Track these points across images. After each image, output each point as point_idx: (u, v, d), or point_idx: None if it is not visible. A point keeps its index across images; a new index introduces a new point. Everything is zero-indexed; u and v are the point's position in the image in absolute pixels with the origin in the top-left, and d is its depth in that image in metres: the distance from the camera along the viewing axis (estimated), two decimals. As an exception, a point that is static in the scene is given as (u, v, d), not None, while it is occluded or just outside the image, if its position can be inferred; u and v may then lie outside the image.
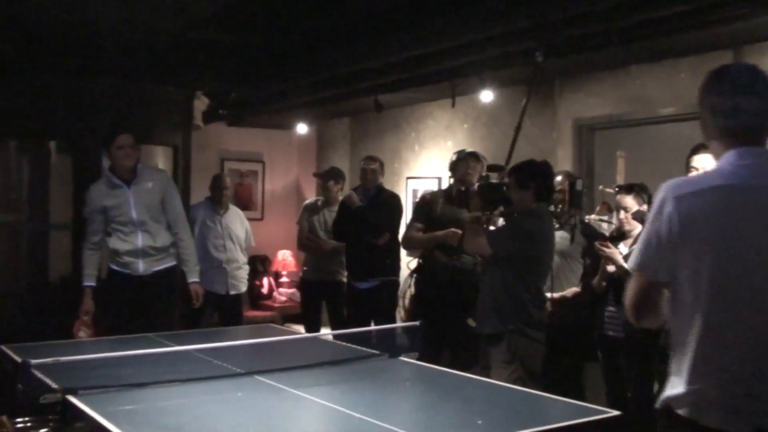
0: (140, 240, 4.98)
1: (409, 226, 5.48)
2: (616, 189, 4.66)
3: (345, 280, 6.22)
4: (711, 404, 1.98)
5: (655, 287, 2.07)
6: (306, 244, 6.59)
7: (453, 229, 5.03)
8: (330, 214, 6.41)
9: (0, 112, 5.51)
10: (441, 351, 4.98)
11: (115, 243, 4.98)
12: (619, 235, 4.49)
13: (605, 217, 5.00)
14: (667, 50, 5.14)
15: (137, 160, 5.03)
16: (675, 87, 5.39)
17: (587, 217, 5.08)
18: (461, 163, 5.22)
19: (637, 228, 4.34)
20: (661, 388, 2.14)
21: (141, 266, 4.99)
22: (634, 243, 4.40)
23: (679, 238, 1.98)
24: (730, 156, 2.04)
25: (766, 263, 1.97)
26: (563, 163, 5.97)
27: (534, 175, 4.29)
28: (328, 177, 6.59)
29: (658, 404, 2.11)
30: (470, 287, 4.73)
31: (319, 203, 6.65)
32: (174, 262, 5.16)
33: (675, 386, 2.05)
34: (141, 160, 5.14)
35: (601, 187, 5.57)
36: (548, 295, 4.53)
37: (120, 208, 4.96)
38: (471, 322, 4.66)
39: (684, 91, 5.33)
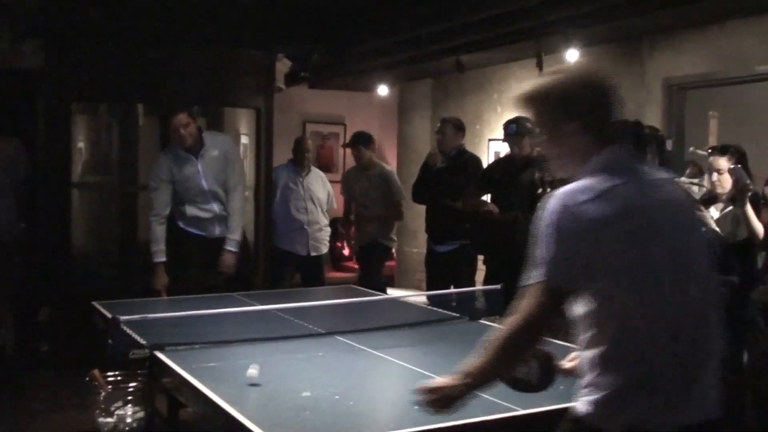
0: (216, 207, 5.12)
1: None
2: (709, 150, 4.47)
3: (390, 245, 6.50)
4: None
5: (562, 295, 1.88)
6: (353, 218, 6.71)
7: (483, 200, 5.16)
8: (368, 179, 6.41)
9: (90, 76, 5.66)
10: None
11: (194, 212, 5.10)
12: (711, 198, 4.32)
13: (696, 180, 4.82)
14: None
15: (195, 136, 5.01)
16: (774, 43, 5.12)
17: (677, 179, 4.90)
18: (510, 141, 5.20)
19: (727, 189, 4.17)
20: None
21: (217, 230, 5.14)
22: (725, 207, 4.24)
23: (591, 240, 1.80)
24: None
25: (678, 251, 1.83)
26: (652, 123, 5.76)
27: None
28: (356, 142, 6.51)
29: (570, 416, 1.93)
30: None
31: (353, 172, 6.66)
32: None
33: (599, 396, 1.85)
34: (225, 122, 5.19)
35: (692, 148, 5.35)
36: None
37: (190, 180, 5.05)
38: None
39: (784, 47, 5.07)
